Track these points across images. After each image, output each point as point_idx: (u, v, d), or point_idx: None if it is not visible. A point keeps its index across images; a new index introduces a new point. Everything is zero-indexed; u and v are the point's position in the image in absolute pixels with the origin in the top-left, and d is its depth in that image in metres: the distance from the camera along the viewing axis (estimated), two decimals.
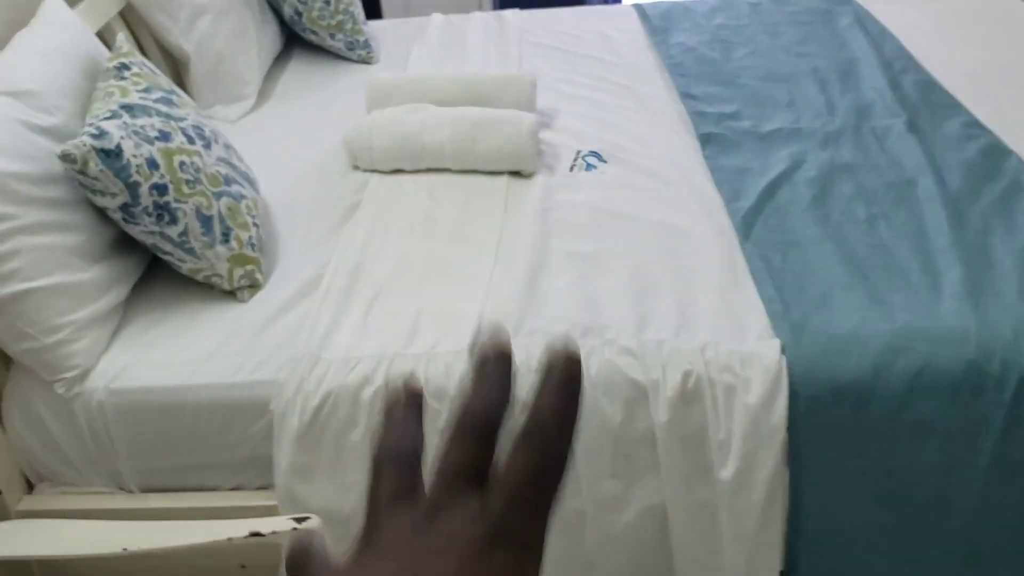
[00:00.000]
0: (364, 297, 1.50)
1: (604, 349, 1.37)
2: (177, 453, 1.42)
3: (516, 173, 1.85)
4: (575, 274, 1.55)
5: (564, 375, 0.35)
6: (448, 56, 2.39)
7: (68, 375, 1.38)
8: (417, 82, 2.02)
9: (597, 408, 1.34)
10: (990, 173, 1.75)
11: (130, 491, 1.46)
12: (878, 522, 1.40)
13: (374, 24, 2.65)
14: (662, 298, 1.48)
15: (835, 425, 1.35)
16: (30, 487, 1.48)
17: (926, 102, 2.04)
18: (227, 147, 1.66)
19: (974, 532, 1.40)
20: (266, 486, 1.44)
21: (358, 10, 2.38)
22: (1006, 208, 1.64)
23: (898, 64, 2.21)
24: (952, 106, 2.02)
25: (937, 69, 2.18)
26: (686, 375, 1.34)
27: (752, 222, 1.65)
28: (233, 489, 1.46)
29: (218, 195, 1.52)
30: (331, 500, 1.38)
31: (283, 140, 2.03)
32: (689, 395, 1.35)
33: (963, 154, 1.82)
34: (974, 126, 1.91)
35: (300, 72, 2.38)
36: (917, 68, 2.19)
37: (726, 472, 1.35)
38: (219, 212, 1.51)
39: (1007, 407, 1.33)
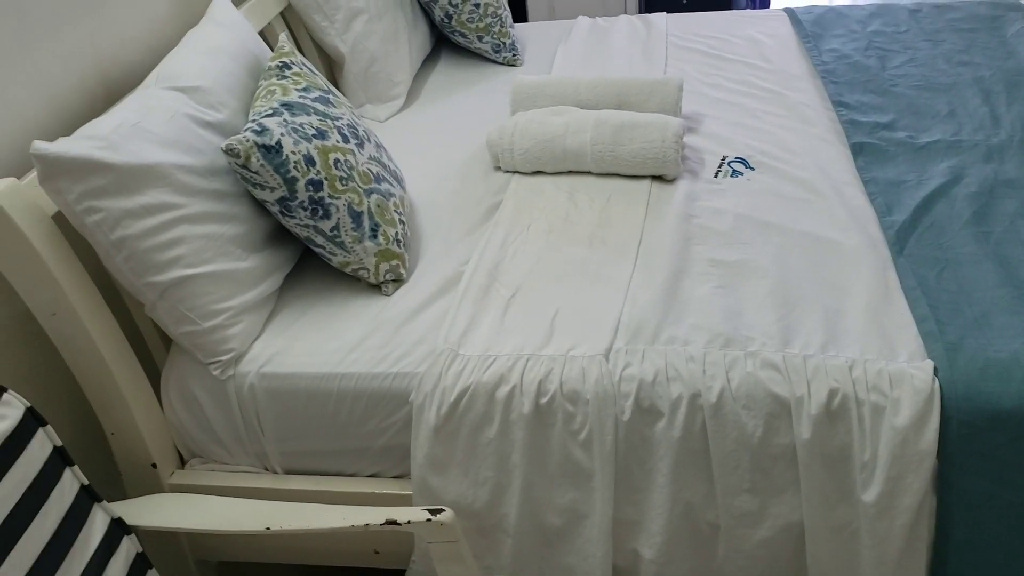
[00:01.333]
0: (502, 296, 1.52)
1: (747, 361, 1.35)
2: (320, 438, 1.47)
3: (659, 177, 1.83)
4: (717, 282, 1.52)
5: None
6: (593, 58, 2.40)
7: (223, 358, 1.45)
8: (561, 84, 2.03)
9: (737, 422, 1.32)
10: None
11: (274, 472, 1.52)
12: None
13: (521, 27, 2.68)
14: (809, 311, 1.44)
15: (990, 454, 1.28)
16: (182, 462, 1.56)
17: None
18: (378, 146, 1.71)
19: None
20: (402, 475, 1.48)
21: (506, 13, 2.41)
22: None
23: None
24: None
25: None
26: (832, 392, 1.30)
27: (906, 237, 1.58)
28: (371, 476, 1.50)
29: (368, 192, 1.56)
30: (463, 494, 1.40)
31: (429, 140, 2.08)
32: (834, 413, 1.30)
33: None
34: None
35: (448, 73, 2.43)
36: None
37: (869, 495, 1.30)
38: (369, 208, 1.55)
39: None
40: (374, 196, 1.57)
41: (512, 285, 1.54)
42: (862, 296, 1.46)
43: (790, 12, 2.57)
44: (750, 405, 1.32)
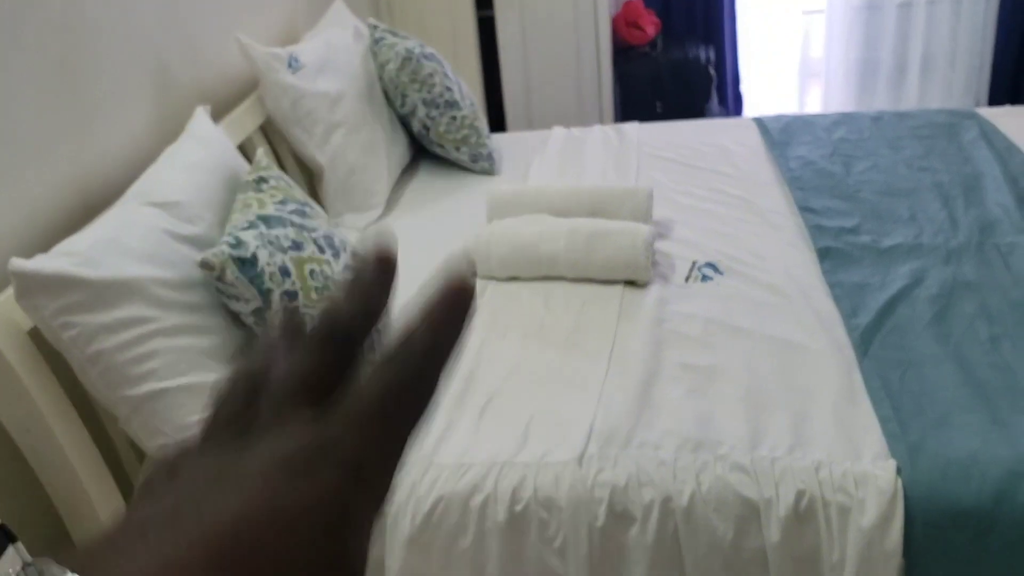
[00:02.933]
0: (477, 403, 1.54)
1: (716, 465, 1.36)
2: None
3: (631, 283, 1.87)
4: (688, 387, 1.54)
5: (450, 301, 0.30)
6: (567, 167, 2.47)
7: None
8: (536, 194, 2.09)
9: (708, 525, 1.32)
10: None
11: None
12: None
13: (498, 136, 2.77)
14: (777, 414, 1.46)
15: (954, 552, 1.29)
16: None
17: None
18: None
19: None
20: None
21: (482, 124, 2.49)
22: None
23: None
24: None
25: None
26: (799, 494, 1.31)
27: (870, 339, 1.61)
28: None
29: None
30: None
31: (407, 248, 2.10)
32: (802, 515, 1.31)
33: None
34: None
35: (425, 183, 2.50)
36: None
37: None
38: None
39: None
40: None
41: (487, 392, 1.56)
42: (828, 398, 1.48)
43: (759, 121, 2.67)
44: (720, 508, 1.33)
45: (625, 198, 2.05)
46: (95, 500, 1.41)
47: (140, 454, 1.54)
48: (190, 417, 1.43)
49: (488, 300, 1.85)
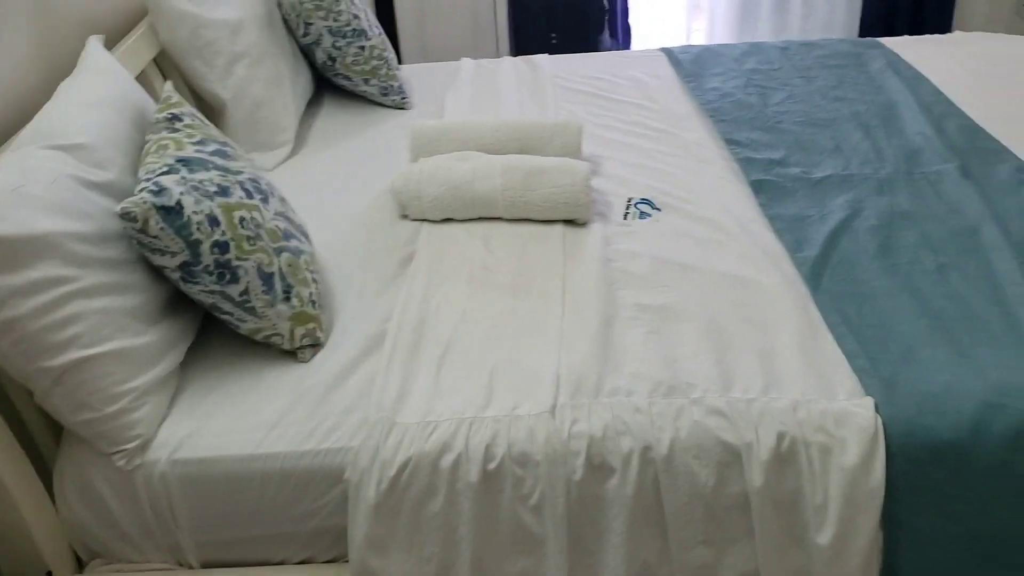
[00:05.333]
0: (433, 355, 1.44)
1: (693, 409, 1.32)
2: (242, 525, 1.34)
3: (570, 221, 1.80)
4: (647, 328, 1.49)
5: None
6: (483, 102, 2.36)
7: (129, 446, 1.30)
8: (463, 129, 1.97)
9: (689, 473, 1.28)
10: None
11: (190, 566, 1.38)
12: None
13: (402, 69, 2.62)
14: (743, 353, 1.43)
15: (934, 488, 1.30)
16: (81, 565, 1.39)
17: (974, 147, 2.02)
18: (282, 200, 1.60)
19: None
20: (337, 558, 1.37)
21: (391, 56, 2.34)
22: None
23: (937, 108, 2.20)
24: (999, 151, 1.99)
25: (977, 114, 2.17)
26: (780, 436, 1.29)
27: (820, 273, 1.60)
28: (302, 563, 1.38)
29: (278, 251, 1.45)
30: (408, 573, 1.31)
31: (324, 189, 1.98)
32: (784, 457, 1.29)
33: (1021, 200, 1.80)
34: None
35: (333, 118, 2.33)
36: (958, 113, 2.17)
37: (823, 537, 1.29)
38: (280, 269, 1.44)
39: None
40: (284, 255, 1.47)
41: (441, 342, 1.47)
42: (790, 334, 1.46)
43: (668, 52, 2.62)
44: (700, 455, 1.29)
45: (555, 133, 1.96)
46: (8, 483, 1.25)
47: (56, 431, 1.37)
48: (118, 387, 1.28)
49: (425, 243, 1.74)
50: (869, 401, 1.32)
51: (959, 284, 1.55)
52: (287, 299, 1.44)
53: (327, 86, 2.44)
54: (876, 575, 1.33)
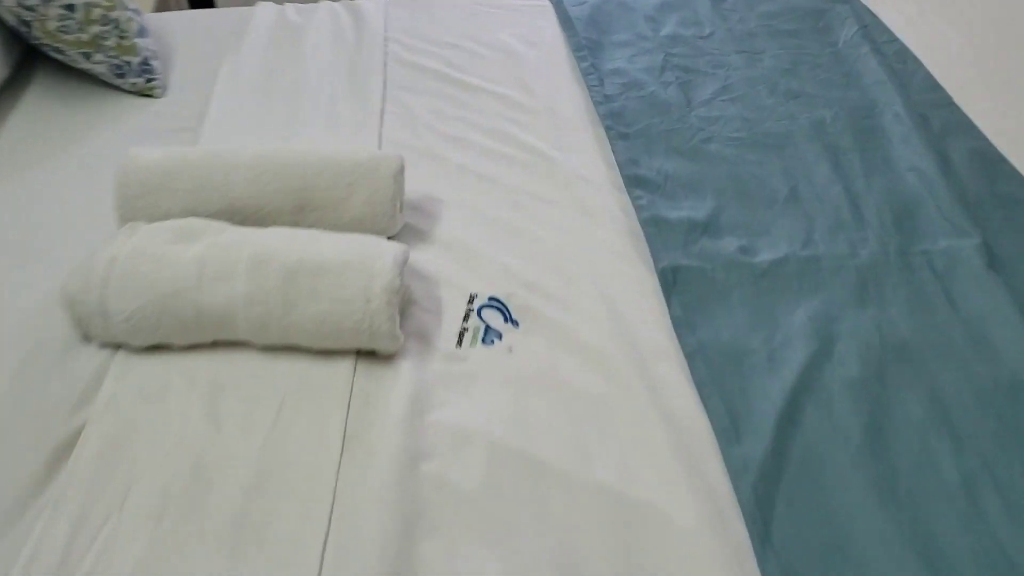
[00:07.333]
0: None
1: None
2: None
3: (368, 352, 1.09)
4: None
5: None
6: (274, 85, 1.58)
7: None
8: (201, 168, 1.21)
9: None
10: None
11: None
12: None
13: (181, 18, 1.80)
14: None
15: None
16: None
17: (997, 197, 1.36)
18: None
19: None
20: None
21: (130, 15, 1.52)
22: None
23: (935, 117, 1.53)
24: None
25: (991, 123, 1.51)
26: None
27: (772, 496, 0.94)
28: None
29: None
30: None
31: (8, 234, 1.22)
32: None
33: None
34: None
35: (40, 112, 1.51)
36: (966, 125, 1.51)
37: None
38: None
39: None
40: None
41: None
42: None
43: (558, 5, 1.85)
44: None
45: (357, 179, 1.22)
46: None
47: None
48: None
49: (105, 406, 1.01)
50: None
51: (999, 516, 0.91)
52: None
53: (41, 59, 1.62)
54: None
